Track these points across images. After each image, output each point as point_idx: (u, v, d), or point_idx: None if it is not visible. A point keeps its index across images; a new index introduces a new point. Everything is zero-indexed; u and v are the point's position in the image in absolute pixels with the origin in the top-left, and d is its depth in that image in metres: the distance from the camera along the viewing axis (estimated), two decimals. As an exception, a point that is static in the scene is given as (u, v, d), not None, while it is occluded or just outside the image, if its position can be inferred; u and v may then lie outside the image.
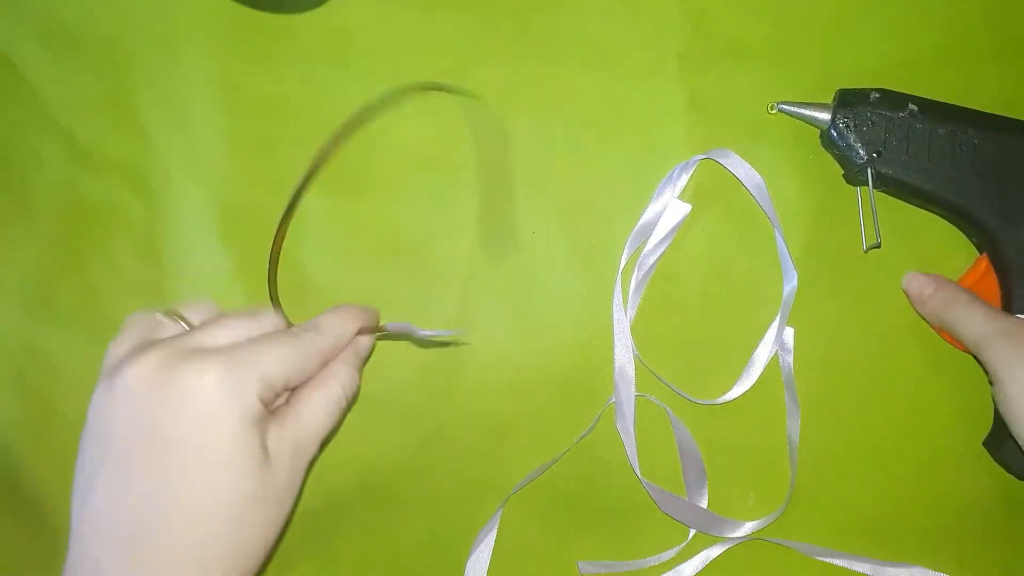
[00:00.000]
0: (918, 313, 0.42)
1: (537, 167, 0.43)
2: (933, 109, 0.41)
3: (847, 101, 0.41)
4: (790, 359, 0.42)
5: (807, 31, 0.43)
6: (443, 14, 0.43)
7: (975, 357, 0.39)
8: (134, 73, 0.42)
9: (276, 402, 0.32)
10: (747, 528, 0.42)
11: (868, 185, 0.40)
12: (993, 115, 0.41)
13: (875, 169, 0.40)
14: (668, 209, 0.42)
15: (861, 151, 0.40)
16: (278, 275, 0.42)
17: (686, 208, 0.42)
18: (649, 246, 0.42)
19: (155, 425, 0.28)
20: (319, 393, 0.33)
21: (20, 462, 0.42)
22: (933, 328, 0.42)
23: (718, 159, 0.42)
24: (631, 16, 0.43)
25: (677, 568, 0.42)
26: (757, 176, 0.42)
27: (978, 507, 0.42)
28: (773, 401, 0.42)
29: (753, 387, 0.42)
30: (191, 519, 0.28)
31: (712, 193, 0.42)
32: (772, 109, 0.42)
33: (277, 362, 0.30)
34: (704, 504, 0.42)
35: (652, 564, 0.42)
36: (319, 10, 0.43)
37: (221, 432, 0.28)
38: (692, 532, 0.42)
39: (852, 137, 0.40)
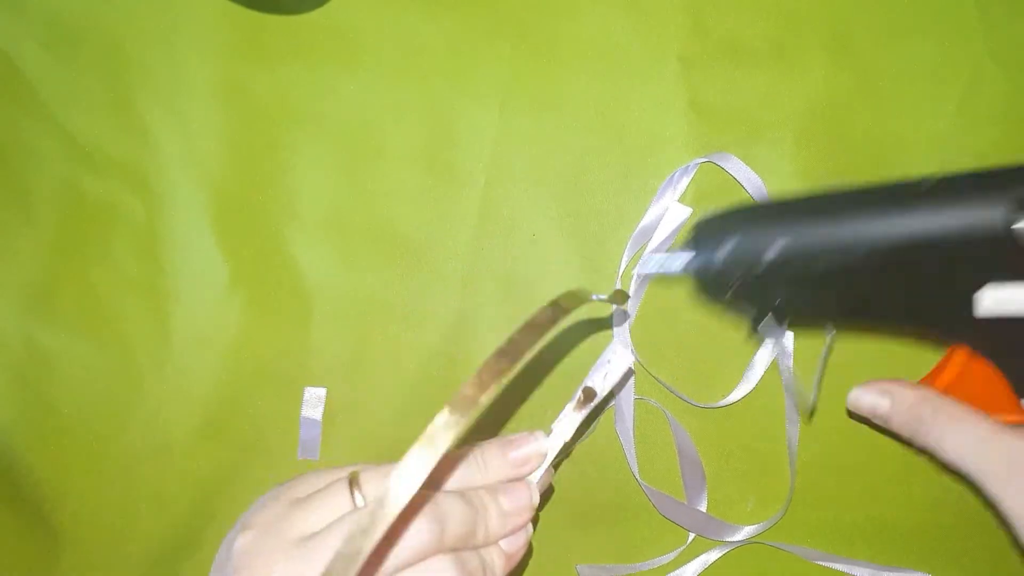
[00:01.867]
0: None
1: (537, 169, 0.42)
2: (804, 238, 0.33)
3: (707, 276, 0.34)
4: (790, 363, 0.42)
5: (808, 32, 0.42)
6: (444, 14, 0.43)
7: (969, 483, 0.32)
8: (134, 73, 0.42)
9: None
10: (746, 532, 0.42)
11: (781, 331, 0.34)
12: (889, 188, 0.32)
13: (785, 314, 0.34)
14: (668, 212, 0.42)
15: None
16: (276, 278, 0.43)
17: (687, 211, 0.42)
18: (649, 249, 0.42)
19: None
20: None
21: (20, 462, 0.42)
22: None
23: (718, 162, 0.42)
24: (631, 17, 0.42)
25: (676, 572, 0.42)
26: (757, 179, 0.42)
27: (978, 512, 0.42)
28: (773, 405, 0.42)
29: (753, 391, 0.42)
30: None
31: (713, 196, 0.42)
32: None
33: None
34: (703, 507, 0.42)
35: (651, 567, 0.42)
36: (319, 10, 0.43)
37: None
38: (691, 536, 0.42)
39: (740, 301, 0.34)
